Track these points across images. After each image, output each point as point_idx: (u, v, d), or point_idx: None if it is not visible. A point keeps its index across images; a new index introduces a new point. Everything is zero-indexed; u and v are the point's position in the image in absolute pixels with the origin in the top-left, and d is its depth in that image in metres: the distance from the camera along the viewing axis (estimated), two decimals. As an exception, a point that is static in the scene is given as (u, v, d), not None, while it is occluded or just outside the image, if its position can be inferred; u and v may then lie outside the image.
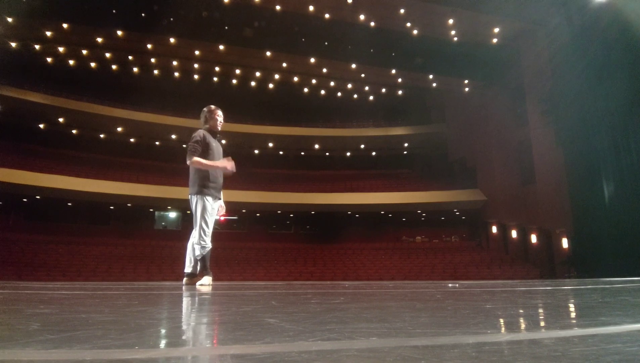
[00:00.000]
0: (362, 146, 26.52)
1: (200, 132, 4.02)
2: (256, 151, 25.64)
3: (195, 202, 3.89)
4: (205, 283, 3.82)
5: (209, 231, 3.90)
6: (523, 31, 17.77)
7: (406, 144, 26.62)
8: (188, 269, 4.00)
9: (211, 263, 4.01)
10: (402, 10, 17.13)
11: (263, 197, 20.74)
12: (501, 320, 1.32)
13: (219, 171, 4.01)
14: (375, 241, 23.14)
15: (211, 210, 3.91)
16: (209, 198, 3.90)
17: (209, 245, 3.89)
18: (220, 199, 4.10)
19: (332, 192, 22.10)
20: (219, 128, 4.20)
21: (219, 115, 4.20)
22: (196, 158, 3.83)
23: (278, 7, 17.07)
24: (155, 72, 21.92)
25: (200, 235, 3.84)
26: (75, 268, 16.36)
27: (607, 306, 1.82)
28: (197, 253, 3.85)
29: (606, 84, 13.36)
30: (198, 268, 4.03)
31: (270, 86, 23.35)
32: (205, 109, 4.21)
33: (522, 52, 18.66)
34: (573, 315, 1.60)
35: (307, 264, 19.71)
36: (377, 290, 3.16)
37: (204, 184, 3.89)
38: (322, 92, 24.39)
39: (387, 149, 26.88)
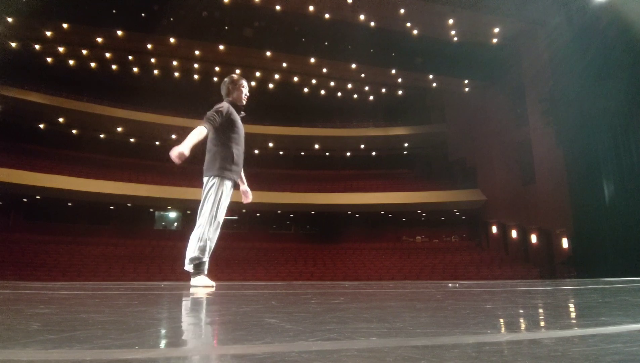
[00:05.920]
0: (362, 146, 26.53)
1: (226, 105, 3.31)
2: (256, 151, 25.64)
3: (211, 186, 3.19)
4: (199, 284, 3.13)
5: (219, 222, 3.22)
6: (523, 31, 17.77)
7: (406, 144, 26.63)
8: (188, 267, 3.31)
9: (211, 263, 3.59)
10: (402, 10, 17.14)
11: (263, 197, 20.72)
12: (501, 320, 1.32)
13: (241, 150, 3.39)
14: (375, 241, 23.14)
15: (226, 198, 3.25)
16: (229, 183, 3.28)
17: (214, 237, 3.20)
18: (243, 183, 3.55)
19: (332, 192, 22.09)
20: (244, 102, 3.50)
21: (244, 85, 3.51)
22: (206, 129, 3.08)
23: (278, 7, 17.08)
24: (155, 72, 21.91)
25: (209, 224, 3.14)
26: (75, 268, 16.35)
27: (607, 306, 1.82)
28: (200, 244, 3.12)
29: (606, 84, 13.36)
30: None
31: (270, 86, 23.34)
32: (226, 79, 3.50)
33: (522, 52, 18.66)
34: (573, 315, 1.60)
35: (307, 264, 19.70)
36: (377, 290, 3.16)
37: (225, 166, 3.24)
38: (322, 92, 24.39)
39: (387, 149, 26.89)
